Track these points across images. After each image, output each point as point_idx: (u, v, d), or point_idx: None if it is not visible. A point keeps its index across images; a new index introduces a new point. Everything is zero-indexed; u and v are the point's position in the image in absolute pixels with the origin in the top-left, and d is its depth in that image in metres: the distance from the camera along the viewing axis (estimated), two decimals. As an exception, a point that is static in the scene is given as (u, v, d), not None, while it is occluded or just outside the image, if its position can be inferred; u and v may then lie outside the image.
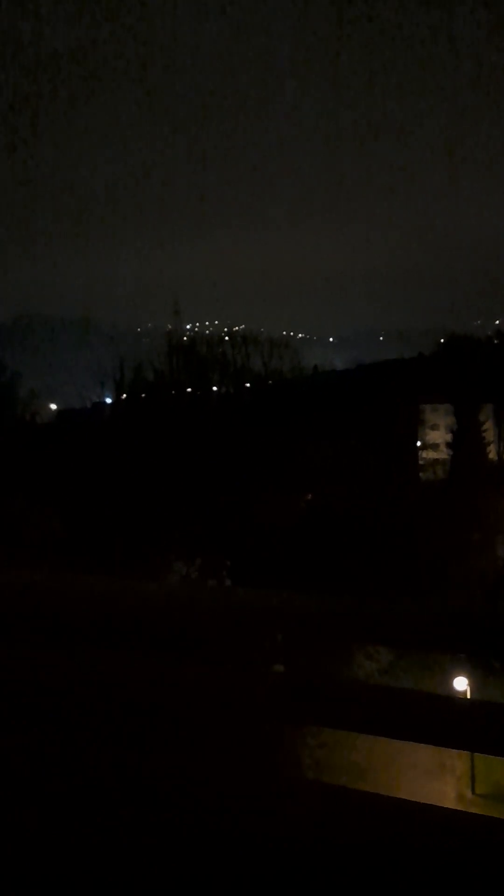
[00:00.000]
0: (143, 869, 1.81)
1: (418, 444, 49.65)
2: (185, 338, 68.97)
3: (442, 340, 78.82)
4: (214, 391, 54.97)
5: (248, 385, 57.69)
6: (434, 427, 50.61)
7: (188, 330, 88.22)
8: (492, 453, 47.75)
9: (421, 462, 48.46)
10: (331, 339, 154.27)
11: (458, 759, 21.08)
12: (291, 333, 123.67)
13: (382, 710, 2.28)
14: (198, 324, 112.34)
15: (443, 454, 47.90)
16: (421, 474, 46.93)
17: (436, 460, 47.99)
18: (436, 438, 49.79)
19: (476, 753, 18.41)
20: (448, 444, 47.79)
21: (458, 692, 20.08)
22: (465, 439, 46.17)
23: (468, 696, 18.90)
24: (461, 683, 21.08)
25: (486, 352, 64.38)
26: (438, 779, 20.90)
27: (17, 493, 29.17)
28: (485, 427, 47.60)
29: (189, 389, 53.66)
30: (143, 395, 50.62)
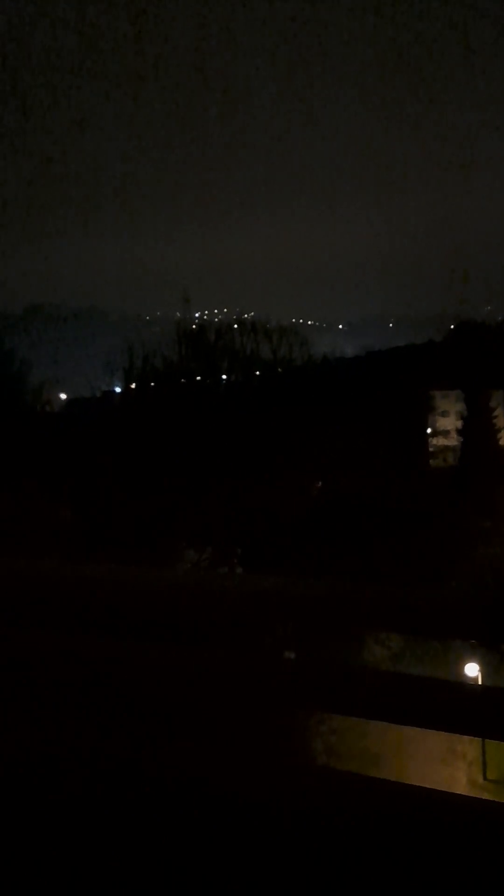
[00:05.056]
0: (144, 862, 1.80)
1: (428, 431, 49.53)
2: (194, 326, 68.88)
3: (452, 326, 78.47)
4: (224, 379, 54.89)
5: (257, 373, 57.58)
6: (444, 414, 50.48)
7: (197, 318, 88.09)
8: (502, 439, 47.56)
9: (431, 449, 48.38)
10: (340, 327, 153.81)
11: (469, 746, 21.12)
12: (301, 321, 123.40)
13: (393, 696, 2.27)
14: (207, 312, 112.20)
15: (453, 441, 47.77)
16: (431, 461, 46.85)
17: (446, 447, 47.88)
18: (446, 425, 49.65)
19: (487, 739, 18.45)
20: (458, 431, 47.63)
21: (470, 678, 20.08)
22: (476, 426, 46.00)
23: (479, 683, 18.89)
24: (472, 670, 21.07)
25: (496, 337, 63.99)
26: (450, 765, 20.96)
27: (27, 481, 29.28)
28: (496, 413, 47.40)
29: (198, 378, 53.61)
30: (153, 384, 50.64)
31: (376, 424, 39.61)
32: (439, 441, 49.00)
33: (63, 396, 61.85)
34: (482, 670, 21.01)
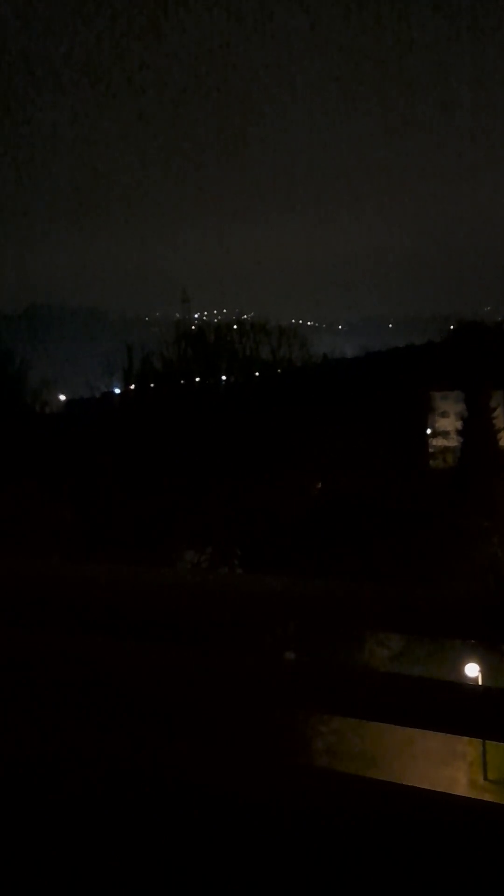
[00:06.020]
0: (144, 862, 1.80)
1: (428, 431, 49.55)
2: (193, 326, 68.97)
3: (452, 327, 78.54)
4: (223, 380, 54.91)
5: (256, 374, 57.59)
6: (444, 414, 50.50)
7: (196, 318, 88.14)
8: (502, 440, 47.55)
9: (431, 450, 48.40)
10: (340, 327, 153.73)
11: (469, 746, 21.13)
12: (300, 321, 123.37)
13: (393, 697, 2.26)
14: (206, 312, 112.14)
15: (453, 441, 47.80)
16: (431, 462, 46.87)
17: (446, 448, 47.92)
18: (446, 426, 49.68)
19: (488, 741, 18.42)
20: (458, 432, 47.64)
21: (470, 679, 20.07)
22: (476, 426, 45.99)
23: (480, 683, 18.90)
24: (473, 670, 21.07)
25: (496, 338, 63.99)
26: (450, 765, 20.96)
27: (27, 481, 29.27)
28: (495, 414, 47.38)
29: (198, 378, 53.63)
30: (152, 385, 50.66)
31: (376, 425, 39.60)
32: (439, 442, 49.05)
33: (62, 397, 61.82)
34: (482, 670, 21.00)
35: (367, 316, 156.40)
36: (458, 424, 48.09)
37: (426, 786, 2.06)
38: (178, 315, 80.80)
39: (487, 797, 19.20)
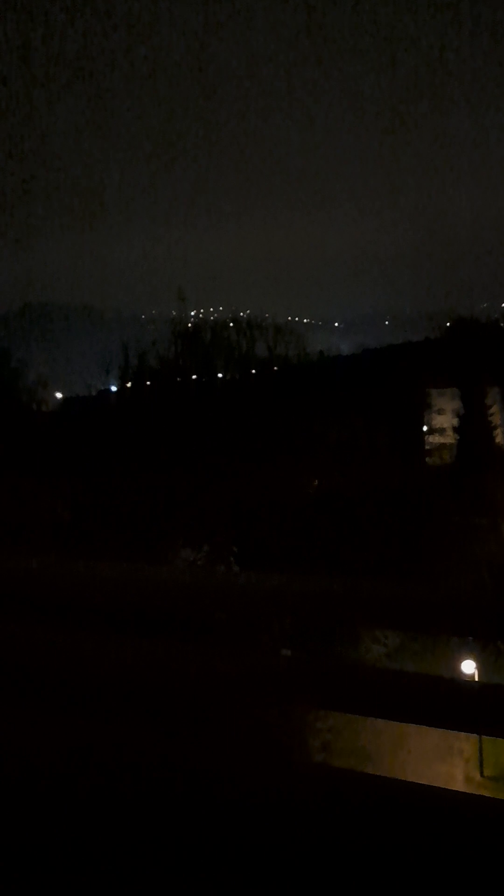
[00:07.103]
0: (144, 862, 1.81)
1: (425, 428, 49.50)
2: (189, 324, 68.97)
3: (448, 324, 78.55)
4: (219, 377, 54.91)
5: (253, 371, 57.60)
6: (441, 411, 50.40)
7: (193, 316, 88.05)
8: (499, 437, 47.52)
9: (427, 447, 48.34)
10: (336, 324, 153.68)
11: (466, 742, 21.14)
12: (296, 319, 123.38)
13: (390, 693, 2.28)
14: (202, 310, 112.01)
15: (449, 438, 47.71)
16: (427, 459, 46.81)
17: (442, 445, 47.83)
18: (442, 423, 49.58)
19: (484, 736, 18.48)
20: (455, 429, 47.57)
21: (466, 675, 20.09)
22: (472, 423, 45.92)
23: (476, 679, 18.92)
24: (469, 667, 21.09)
25: (492, 335, 64.07)
26: (447, 762, 20.96)
27: (25, 480, 29.28)
28: (492, 411, 47.33)
29: (194, 376, 53.65)
30: (148, 383, 50.68)
31: (372, 422, 39.63)
32: (436, 438, 48.98)
33: (59, 395, 61.79)
34: (478, 667, 21.03)
35: (364, 313, 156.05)
36: (455, 421, 47.99)
37: (423, 782, 2.08)
38: (174, 313, 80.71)
39: (484, 793, 19.22)
